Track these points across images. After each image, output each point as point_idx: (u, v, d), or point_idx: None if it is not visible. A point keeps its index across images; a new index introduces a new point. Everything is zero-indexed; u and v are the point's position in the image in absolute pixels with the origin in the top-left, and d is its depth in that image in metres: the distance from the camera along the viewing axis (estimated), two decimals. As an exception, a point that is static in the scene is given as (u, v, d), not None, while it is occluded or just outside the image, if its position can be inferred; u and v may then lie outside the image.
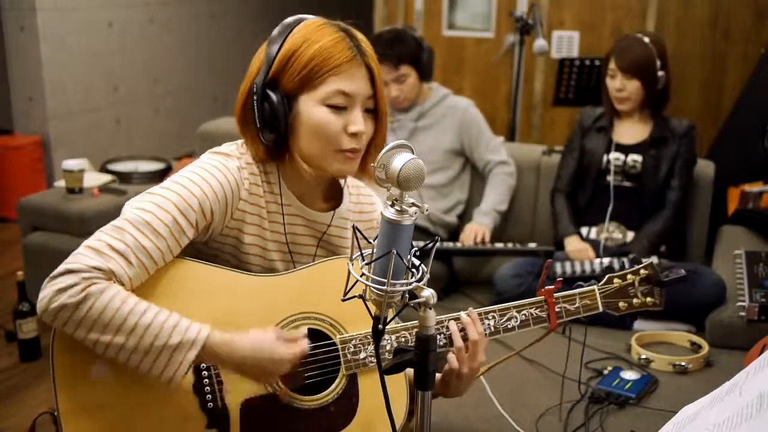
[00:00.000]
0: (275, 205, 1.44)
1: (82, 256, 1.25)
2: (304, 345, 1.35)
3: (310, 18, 1.40)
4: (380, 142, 1.44)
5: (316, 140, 1.37)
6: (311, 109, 1.36)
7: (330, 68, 1.34)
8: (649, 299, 1.58)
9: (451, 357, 1.43)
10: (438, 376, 1.47)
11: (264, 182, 1.43)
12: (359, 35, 1.40)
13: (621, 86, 2.76)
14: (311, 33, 1.36)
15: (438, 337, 1.43)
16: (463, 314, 1.45)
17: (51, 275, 1.24)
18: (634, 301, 1.57)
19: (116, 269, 1.25)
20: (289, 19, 1.40)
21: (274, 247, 1.45)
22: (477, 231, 2.88)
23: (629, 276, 1.58)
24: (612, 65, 2.78)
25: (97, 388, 1.29)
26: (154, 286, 1.32)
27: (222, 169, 1.37)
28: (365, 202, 1.59)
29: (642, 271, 1.58)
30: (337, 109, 1.36)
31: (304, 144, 1.38)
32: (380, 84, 1.40)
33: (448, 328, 1.44)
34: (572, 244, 2.81)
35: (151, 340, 1.23)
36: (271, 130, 1.36)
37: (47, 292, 1.22)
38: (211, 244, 1.42)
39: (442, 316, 1.44)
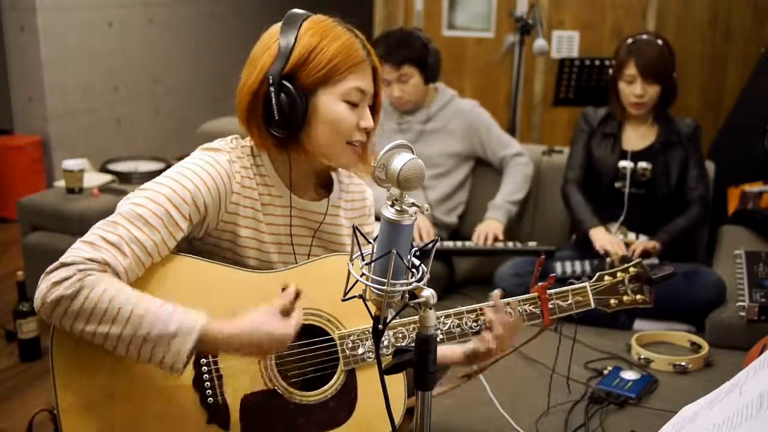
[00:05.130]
0: (268, 197, 1.46)
1: (76, 249, 1.26)
2: (298, 317, 1.35)
3: (316, 15, 1.44)
4: (374, 137, 1.52)
5: (331, 133, 1.41)
6: (331, 103, 1.40)
7: (350, 66, 1.40)
8: (639, 296, 1.60)
9: (487, 339, 1.48)
10: (461, 349, 1.54)
11: (256, 175, 1.45)
12: (362, 35, 1.47)
13: (642, 92, 2.67)
14: (327, 30, 1.41)
15: (468, 325, 1.49)
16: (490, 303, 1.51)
17: (46, 270, 1.25)
18: (625, 298, 1.59)
19: (110, 260, 1.26)
20: (297, 12, 1.43)
21: (270, 239, 1.46)
22: (488, 232, 2.86)
23: (619, 273, 1.60)
24: (631, 71, 2.67)
25: (96, 386, 1.29)
26: (150, 282, 1.32)
27: (213, 163, 1.39)
28: (355, 191, 1.62)
29: (631, 269, 1.60)
30: (352, 105, 1.41)
31: (318, 136, 1.41)
32: (380, 82, 1.48)
33: (484, 314, 1.50)
34: (601, 236, 2.69)
35: (147, 329, 1.23)
36: (287, 121, 1.38)
37: (43, 286, 1.23)
38: (208, 240, 1.43)
39: (476, 305, 1.50)
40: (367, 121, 1.44)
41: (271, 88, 1.37)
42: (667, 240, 2.70)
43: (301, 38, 1.38)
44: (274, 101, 1.37)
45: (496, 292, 1.52)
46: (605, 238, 2.69)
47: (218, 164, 1.39)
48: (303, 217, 1.50)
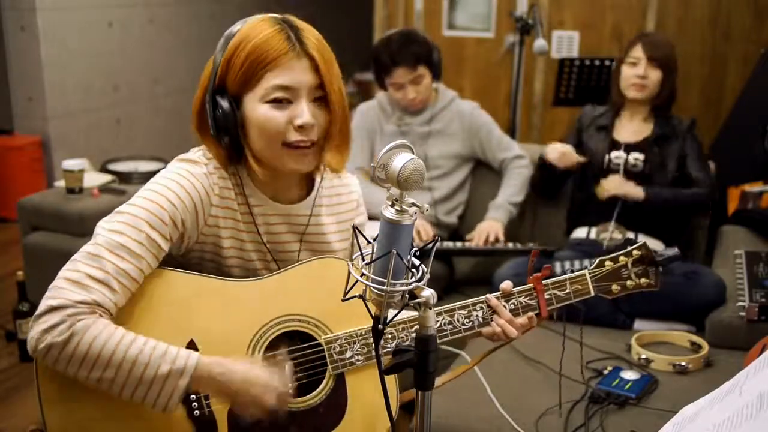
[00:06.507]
0: (246, 206, 1.43)
1: (64, 290, 1.23)
2: (288, 372, 1.34)
3: (255, 16, 1.39)
4: (335, 132, 1.38)
5: (263, 138, 1.35)
6: (254, 108, 1.34)
7: (265, 64, 1.32)
8: (643, 280, 1.54)
9: (504, 329, 1.48)
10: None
11: (234, 185, 1.42)
12: (301, 25, 1.37)
13: (644, 73, 2.73)
14: (248, 31, 1.34)
15: (460, 321, 1.48)
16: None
17: (36, 314, 1.23)
18: (628, 283, 1.54)
19: (100, 299, 1.24)
20: (238, 23, 1.39)
21: (252, 247, 1.44)
22: (489, 231, 2.87)
23: (621, 258, 1.54)
24: (637, 53, 2.74)
25: (83, 402, 1.29)
26: (135, 300, 1.31)
27: (189, 177, 1.36)
28: (338, 185, 1.57)
29: (635, 252, 1.55)
30: (279, 103, 1.33)
31: (255, 144, 1.37)
32: (326, 72, 1.35)
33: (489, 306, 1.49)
34: (554, 149, 2.85)
35: (140, 372, 1.23)
36: (225, 134, 1.36)
37: (34, 332, 1.22)
38: (191, 255, 1.41)
39: (467, 301, 1.49)
40: (302, 117, 1.33)
41: (207, 105, 1.36)
42: (656, 196, 2.72)
43: (229, 46, 1.35)
44: (209, 116, 1.36)
45: (507, 283, 1.50)
46: (559, 149, 2.84)
47: (195, 178, 1.36)
48: (288, 222, 1.48)
